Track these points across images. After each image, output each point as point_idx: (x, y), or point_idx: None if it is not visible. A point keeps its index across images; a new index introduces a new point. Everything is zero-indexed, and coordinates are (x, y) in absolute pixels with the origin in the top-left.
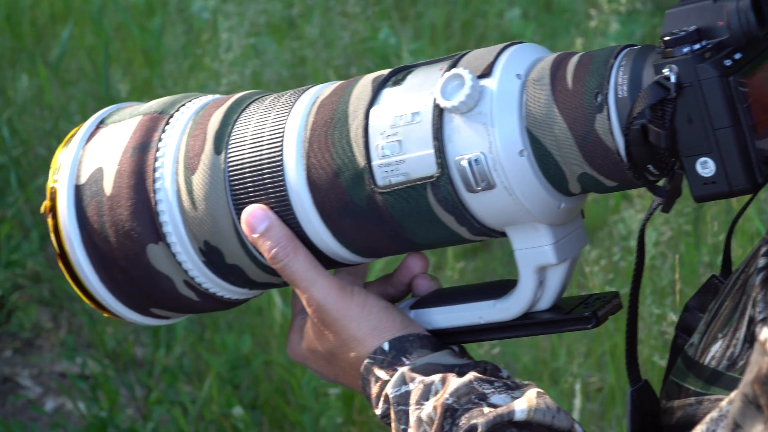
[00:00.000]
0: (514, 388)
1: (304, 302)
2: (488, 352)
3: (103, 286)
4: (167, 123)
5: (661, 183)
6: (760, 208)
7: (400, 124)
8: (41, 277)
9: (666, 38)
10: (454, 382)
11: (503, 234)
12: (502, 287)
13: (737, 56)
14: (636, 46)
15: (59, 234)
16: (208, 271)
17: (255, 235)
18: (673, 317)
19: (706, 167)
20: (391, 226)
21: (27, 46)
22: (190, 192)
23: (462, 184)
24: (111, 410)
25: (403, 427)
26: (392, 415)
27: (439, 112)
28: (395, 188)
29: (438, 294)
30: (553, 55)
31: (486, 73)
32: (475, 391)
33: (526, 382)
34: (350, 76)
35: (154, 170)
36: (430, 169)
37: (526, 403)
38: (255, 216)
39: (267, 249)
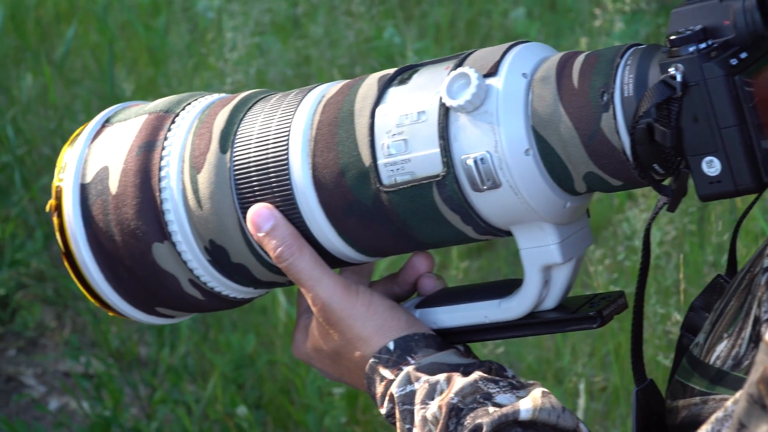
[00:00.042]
0: (519, 388)
1: (309, 301)
2: (492, 351)
3: (108, 285)
4: (173, 122)
5: (666, 182)
6: (765, 207)
7: (405, 123)
8: (45, 276)
9: (672, 37)
10: (459, 381)
11: (509, 233)
12: (508, 287)
13: (743, 55)
14: (642, 45)
15: (64, 233)
16: (213, 270)
17: (260, 234)
18: (678, 317)
19: (711, 166)
20: (397, 225)
21: (31, 45)
22: (195, 191)
23: (468, 183)
24: (115, 409)
25: (408, 426)
26: (397, 415)
27: (445, 111)
28: (401, 187)
29: (443, 293)
30: (559, 54)
31: (492, 72)
32: (480, 391)
33: (531, 382)
34: (355, 76)
35: (160, 169)
36: (436, 168)
37: (531, 402)
38: (260, 215)
39: (272, 248)
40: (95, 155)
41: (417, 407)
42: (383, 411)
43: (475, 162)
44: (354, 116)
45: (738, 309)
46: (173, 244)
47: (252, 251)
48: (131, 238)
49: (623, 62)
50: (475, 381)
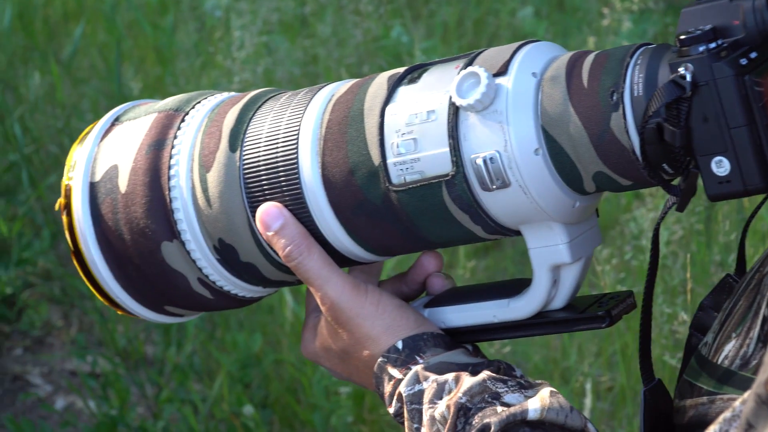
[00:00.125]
0: (527, 387)
1: (318, 300)
2: (499, 351)
3: (117, 284)
4: (182, 120)
5: (675, 182)
6: None
7: (415, 122)
8: (52, 275)
9: (682, 37)
10: (468, 381)
11: (518, 232)
12: (516, 286)
13: (753, 55)
14: (652, 44)
15: (74, 231)
16: (222, 269)
17: (269, 233)
18: (684, 316)
19: (720, 166)
20: (406, 224)
21: (39, 44)
22: (204, 190)
23: (477, 182)
24: (121, 409)
25: (416, 425)
26: (405, 414)
27: (454, 110)
28: (410, 186)
29: (452, 293)
30: (569, 54)
31: (502, 71)
32: (488, 390)
33: (540, 381)
34: (362, 75)
35: (169, 168)
36: (445, 167)
37: (539, 402)
38: (269, 214)
39: (281, 247)
40: (104, 154)
41: (425, 407)
42: (391, 410)
43: (485, 161)
44: (364, 115)
45: (747, 308)
46: (182, 243)
47: (261, 250)
48: (140, 237)
49: (633, 62)
50: (484, 380)
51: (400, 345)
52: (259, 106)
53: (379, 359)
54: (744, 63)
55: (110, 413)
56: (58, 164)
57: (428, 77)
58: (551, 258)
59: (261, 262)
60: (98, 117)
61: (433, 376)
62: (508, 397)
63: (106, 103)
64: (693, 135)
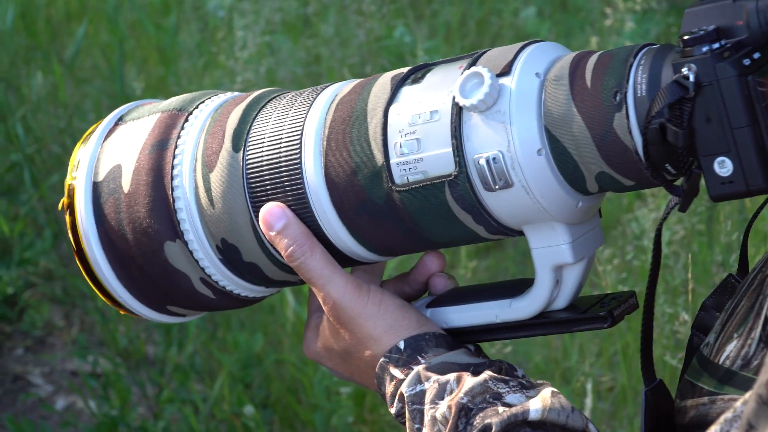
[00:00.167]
0: (528, 388)
1: (320, 300)
2: (500, 351)
3: (120, 284)
4: (186, 120)
5: (678, 182)
6: None
7: (418, 123)
8: (54, 275)
9: (685, 37)
10: (469, 381)
11: (520, 233)
12: (519, 286)
13: (756, 56)
14: (655, 45)
15: (77, 231)
16: (225, 268)
17: (272, 233)
18: (686, 316)
19: (723, 167)
20: (408, 224)
21: (42, 44)
22: (207, 190)
23: (480, 182)
24: (122, 409)
25: (417, 426)
26: (407, 414)
27: (458, 111)
28: (413, 186)
29: (454, 293)
30: (573, 54)
31: (505, 71)
32: (489, 391)
33: (541, 382)
34: (365, 75)
35: (173, 168)
36: (448, 167)
37: (540, 402)
38: (272, 214)
39: (284, 247)
40: (108, 153)
41: (427, 407)
42: (393, 410)
43: (488, 161)
44: (367, 115)
45: (749, 309)
46: (185, 243)
47: (264, 250)
48: (143, 237)
49: (636, 62)
50: (485, 381)
51: (401, 345)
52: (263, 106)
53: (381, 359)
54: (747, 63)
55: (111, 413)
56: (60, 164)
57: (432, 77)
58: (554, 258)
59: (264, 262)
60: (101, 117)
61: (434, 377)
62: (509, 398)
63: (108, 103)
64: (696, 135)
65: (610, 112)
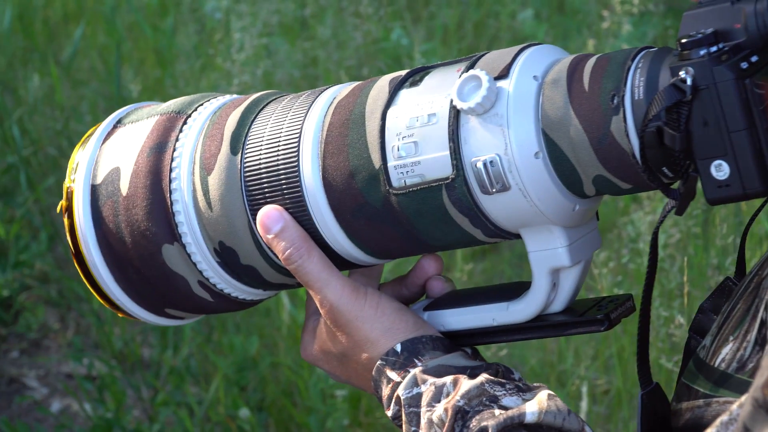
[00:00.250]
0: (525, 390)
1: (317, 303)
2: (496, 354)
3: (118, 286)
4: (185, 123)
5: (675, 185)
6: None
7: (416, 126)
8: (49, 277)
9: (683, 40)
10: (466, 384)
11: (517, 236)
12: (516, 289)
13: (754, 59)
14: (653, 48)
15: (75, 234)
16: (222, 271)
17: (270, 236)
18: (681, 320)
19: (720, 170)
20: (406, 227)
21: (39, 46)
22: (206, 192)
23: (477, 185)
24: (117, 411)
25: (414, 429)
26: (403, 417)
27: (455, 114)
28: (410, 189)
29: (451, 296)
30: (571, 57)
31: (503, 74)
32: (486, 393)
33: (537, 385)
34: (362, 77)
35: (171, 170)
36: (446, 170)
37: (536, 405)
38: (270, 217)
39: (281, 250)
40: (106, 156)
41: (423, 410)
42: (389, 413)
43: (485, 165)
44: (365, 118)
45: (745, 312)
46: (183, 246)
47: (261, 253)
48: (141, 240)
49: (634, 65)
50: (482, 383)
51: (398, 348)
52: (261, 109)
53: (378, 362)
54: (745, 66)
55: (106, 416)
56: (56, 166)
57: (430, 80)
58: (551, 261)
59: (261, 265)
60: (97, 119)
61: (431, 379)
62: (505, 400)
63: (105, 105)
64: (693, 138)
65: (607, 116)
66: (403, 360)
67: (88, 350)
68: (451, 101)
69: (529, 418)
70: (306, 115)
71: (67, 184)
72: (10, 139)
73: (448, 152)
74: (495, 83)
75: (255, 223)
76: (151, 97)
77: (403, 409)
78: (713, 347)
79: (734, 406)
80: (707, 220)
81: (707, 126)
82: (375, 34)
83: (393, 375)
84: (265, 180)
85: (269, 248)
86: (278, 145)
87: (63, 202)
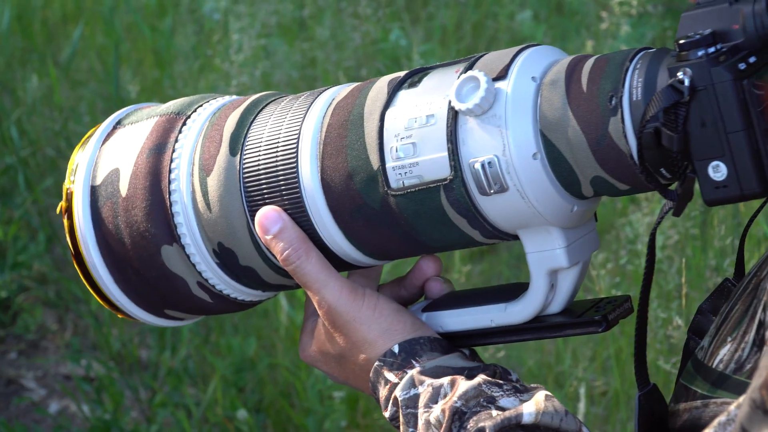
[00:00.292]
0: (522, 391)
1: (316, 304)
2: (493, 355)
3: (117, 287)
4: (184, 124)
5: (672, 187)
6: (767, 212)
7: (414, 127)
8: (47, 278)
9: (681, 41)
10: (463, 385)
11: (515, 237)
12: (514, 290)
13: (752, 60)
14: (652, 49)
15: (74, 235)
16: (221, 272)
17: (268, 237)
18: (679, 321)
19: (718, 171)
20: (404, 228)
21: (38, 46)
22: (204, 193)
23: (475, 186)
24: (115, 412)
25: (411, 430)
26: (401, 418)
27: (453, 115)
28: (408, 191)
29: (450, 297)
30: (569, 58)
31: (501, 75)
32: (483, 394)
33: (535, 386)
34: (361, 78)
35: (170, 171)
36: (444, 171)
37: (534, 406)
38: (268, 218)
39: (280, 251)
40: (106, 157)
41: (420, 411)
42: (387, 414)
43: (483, 166)
44: (364, 119)
45: (743, 313)
46: (182, 247)
47: (260, 254)
48: (140, 241)
49: (632, 66)
50: (479, 384)
51: (396, 349)
52: (260, 110)
53: (376, 363)
54: (743, 67)
55: (104, 417)
56: (54, 167)
57: (428, 81)
58: (549, 262)
59: (260, 265)
60: (96, 120)
61: (428, 380)
62: (503, 401)
63: (103, 106)
64: (690, 139)
65: (605, 117)
66: (400, 361)
67: (86, 351)
68: (450, 102)
69: (527, 419)
70: (305, 116)
71: (66, 185)
72: (9, 139)
73: (446, 153)
74: (493, 84)
75: (254, 224)
76: (149, 97)
77: (400, 410)
78: (711, 348)
79: (732, 407)
80: (705, 221)
81: (705, 127)
82: (373, 35)
83: (390, 376)
84: (263, 181)
85: (268, 249)
86: (277, 146)
87: (63, 204)
